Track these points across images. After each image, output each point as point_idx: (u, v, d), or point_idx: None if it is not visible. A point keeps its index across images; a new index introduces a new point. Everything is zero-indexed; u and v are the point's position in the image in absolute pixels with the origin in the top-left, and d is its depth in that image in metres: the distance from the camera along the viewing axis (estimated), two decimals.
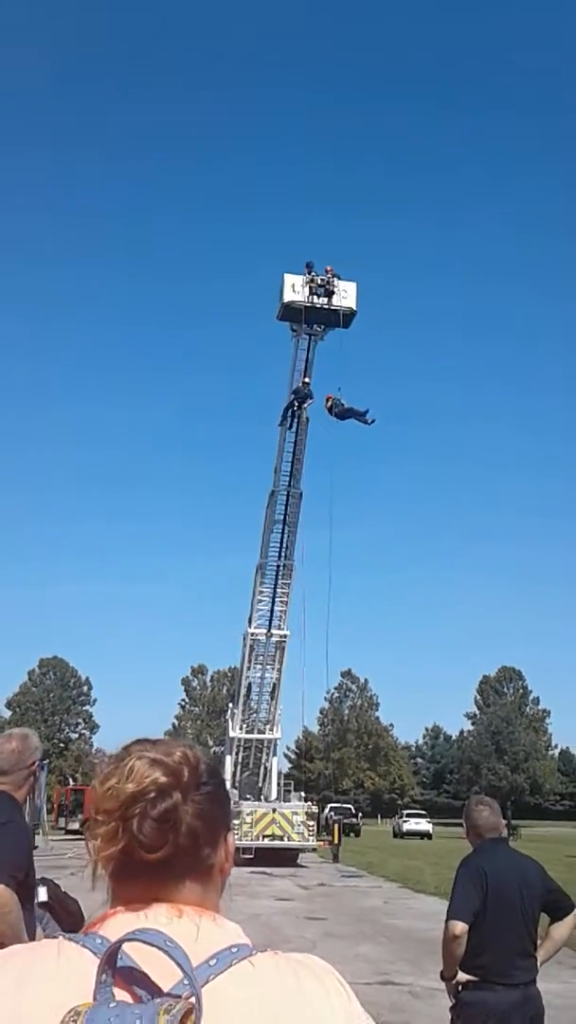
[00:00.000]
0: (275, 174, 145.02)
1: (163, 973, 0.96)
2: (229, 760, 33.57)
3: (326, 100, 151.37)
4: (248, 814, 27.60)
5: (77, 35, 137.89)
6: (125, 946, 0.96)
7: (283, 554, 32.95)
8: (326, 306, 31.03)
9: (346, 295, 31.49)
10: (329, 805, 52.01)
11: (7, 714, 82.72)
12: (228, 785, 32.10)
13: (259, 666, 33.79)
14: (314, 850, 30.67)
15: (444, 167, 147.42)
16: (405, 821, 58.22)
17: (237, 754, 33.48)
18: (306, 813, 28.52)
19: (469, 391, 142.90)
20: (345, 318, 31.59)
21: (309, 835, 28.17)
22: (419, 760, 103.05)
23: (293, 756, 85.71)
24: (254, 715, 33.98)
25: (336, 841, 30.63)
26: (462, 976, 4.22)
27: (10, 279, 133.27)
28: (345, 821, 42.20)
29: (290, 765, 76.20)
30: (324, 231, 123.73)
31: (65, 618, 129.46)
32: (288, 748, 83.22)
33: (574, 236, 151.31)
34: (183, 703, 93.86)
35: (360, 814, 61.95)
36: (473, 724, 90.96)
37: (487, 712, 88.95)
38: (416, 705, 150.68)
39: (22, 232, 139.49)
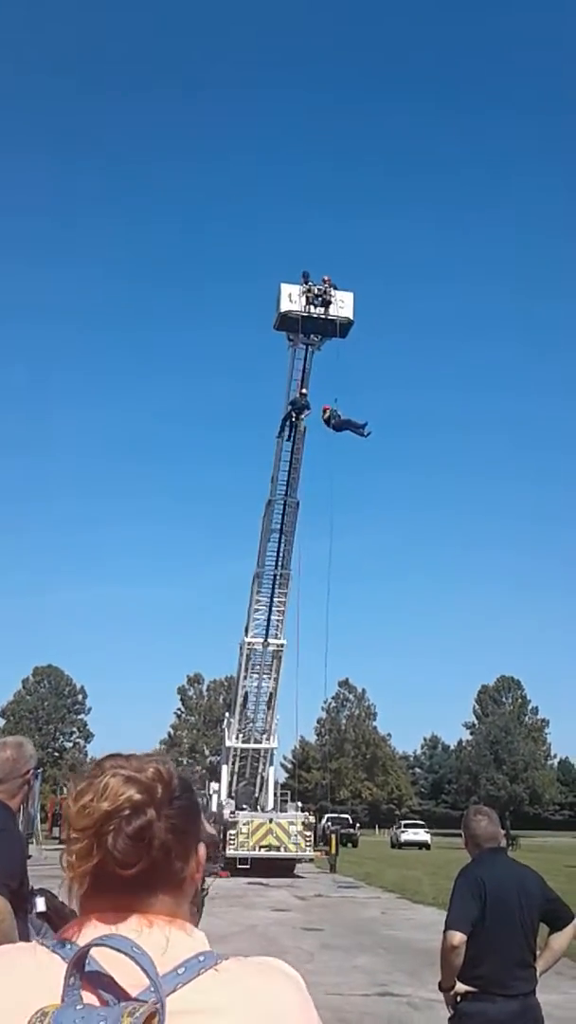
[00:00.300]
0: (273, 175, 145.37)
1: (131, 980, 1.00)
2: (225, 770, 33.50)
3: (326, 100, 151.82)
4: (245, 824, 27.51)
5: (76, 35, 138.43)
6: (95, 952, 1.01)
7: (280, 563, 32.94)
8: (323, 316, 31.13)
9: (343, 305, 31.60)
10: (326, 815, 51.78)
11: (1, 723, 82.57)
12: (224, 795, 32.08)
13: (256, 675, 33.72)
14: (311, 860, 30.56)
15: (444, 168, 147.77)
16: (403, 831, 58.01)
17: (233, 764, 33.39)
18: (303, 823, 28.41)
19: (468, 398, 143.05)
20: (342, 328, 31.71)
21: (306, 845, 28.07)
22: (417, 770, 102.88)
23: (290, 766, 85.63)
24: (251, 725, 33.89)
25: (333, 851, 30.53)
26: (460, 987, 4.19)
27: (8, 281, 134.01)
28: (342, 831, 42.09)
29: (287, 775, 76.08)
30: (322, 233, 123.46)
31: (60, 626, 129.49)
32: (285, 758, 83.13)
33: (575, 239, 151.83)
34: (179, 712, 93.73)
35: (358, 824, 61.75)
36: (472, 734, 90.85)
37: (486, 722, 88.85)
38: (414, 715, 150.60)
39: (19, 233, 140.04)
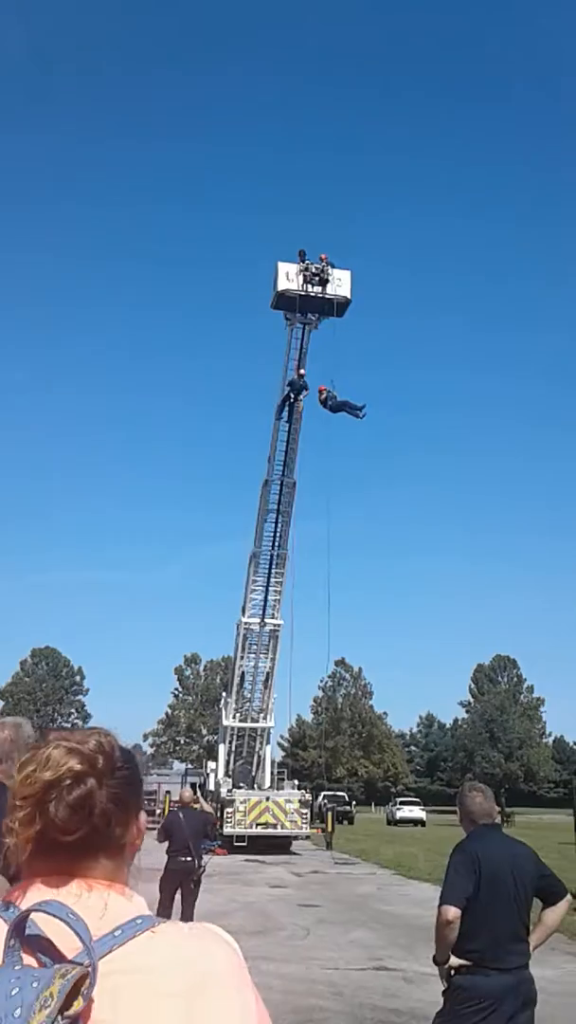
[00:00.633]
0: (271, 159, 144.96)
1: (69, 943, 1.05)
2: (223, 749, 33.63)
3: (325, 84, 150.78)
4: (242, 802, 27.68)
5: (76, 22, 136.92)
6: (36, 917, 1.07)
7: (277, 543, 32.91)
8: (320, 295, 30.92)
9: (340, 284, 31.35)
10: (322, 793, 52.14)
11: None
12: (222, 773, 32.25)
13: (252, 655, 33.80)
14: (307, 838, 30.78)
15: (444, 150, 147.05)
16: (399, 809, 58.45)
17: (231, 743, 33.53)
18: (299, 801, 28.60)
19: (466, 378, 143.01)
20: (339, 307, 31.48)
21: (303, 823, 28.25)
22: (413, 748, 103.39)
23: (287, 745, 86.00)
24: (247, 704, 33.99)
25: (330, 829, 30.75)
26: (455, 960, 4.24)
27: (8, 267, 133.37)
28: (339, 809, 42.38)
29: (283, 754, 76.43)
30: (320, 216, 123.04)
31: (58, 608, 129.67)
32: (282, 737, 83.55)
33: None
34: (176, 692, 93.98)
35: (354, 802, 62.12)
36: (467, 712, 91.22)
37: (481, 700, 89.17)
38: (410, 694, 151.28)
39: (16, 218, 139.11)
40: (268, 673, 33.56)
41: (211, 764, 34.96)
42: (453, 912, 4.17)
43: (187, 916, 10.63)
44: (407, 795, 70.03)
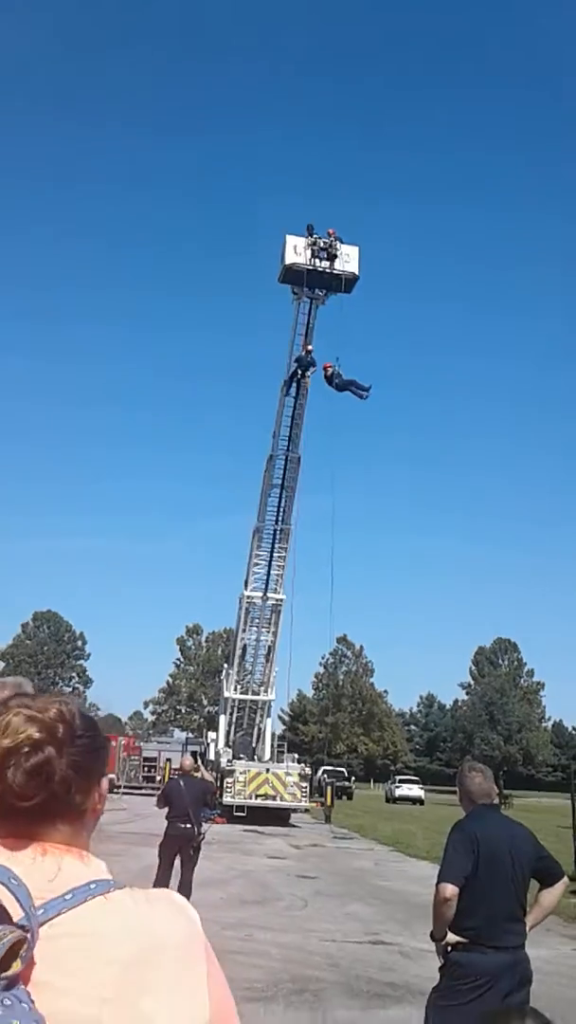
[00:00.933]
0: (276, 147, 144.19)
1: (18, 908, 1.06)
2: (223, 720, 33.85)
3: (331, 67, 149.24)
4: (242, 773, 27.85)
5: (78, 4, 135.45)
6: None
7: (280, 518, 32.93)
8: (328, 270, 30.61)
9: (348, 259, 31.01)
10: (322, 768, 52.45)
11: (0, 665, 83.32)
12: (222, 744, 32.45)
13: (255, 629, 33.92)
14: (307, 811, 31.00)
15: (449, 136, 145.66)
16: (398, 786, 58.75)
17: (231, 714, 33.74)
18: (299, 775, 28.78)
19: (469, 361, 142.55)
20: (347, 283, 31.12)
21: (302, 796, 28.45)
22: (412, 727, 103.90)
23: (287, 719, 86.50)
24: (249, 676, 34.18)
25: (329, 803, 30.95)
26: (452, 937, 4.24)
27: (12, 248, 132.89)
28: (338, 784, 42.61)
29: (284, 727, 76.86)
30: (327, 199, 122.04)
31: (61, 573, 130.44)
32: (282, 710, 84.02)
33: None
34: (178, 662, 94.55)
35: (353, 778, 62.44)
36: (467, 694, 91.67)
37: (481, 682, 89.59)
38: (411, 673, 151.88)
39: (24, 201, 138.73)
40: (270, 647, 33.71)
41: (211, 734, 35.21)
42: (451, 890, 4.17)
43: (186, 882, 10.78)
44: (406, 773, 70.49)
